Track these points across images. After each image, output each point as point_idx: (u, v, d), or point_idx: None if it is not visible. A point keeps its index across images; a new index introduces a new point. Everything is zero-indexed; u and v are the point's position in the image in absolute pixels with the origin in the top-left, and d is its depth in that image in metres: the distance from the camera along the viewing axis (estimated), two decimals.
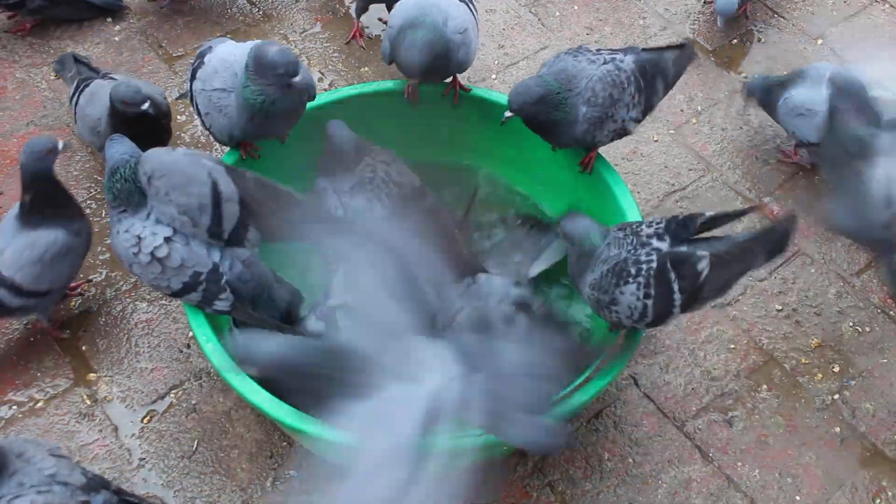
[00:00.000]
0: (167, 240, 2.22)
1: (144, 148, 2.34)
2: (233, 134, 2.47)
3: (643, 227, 2.20)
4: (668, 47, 2.65)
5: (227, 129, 2.46)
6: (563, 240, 2.25)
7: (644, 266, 2.12)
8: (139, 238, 2.22)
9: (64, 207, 2.46)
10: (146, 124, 2.62)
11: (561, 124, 2.45)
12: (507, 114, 2.45)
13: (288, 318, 2.43)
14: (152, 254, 2.20)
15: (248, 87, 2.37)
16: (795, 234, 2.20)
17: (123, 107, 2.57)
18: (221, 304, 2.25)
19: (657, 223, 2.20)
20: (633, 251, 2.14)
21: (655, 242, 2.16)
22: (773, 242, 2.21)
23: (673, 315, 2.17)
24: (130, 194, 2.24)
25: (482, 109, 2.77)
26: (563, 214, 2.25)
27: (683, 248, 2.16)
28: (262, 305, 2.36)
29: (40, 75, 3.24)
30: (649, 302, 2.13)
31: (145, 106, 2.56)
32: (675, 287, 2.13)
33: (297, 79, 2.33)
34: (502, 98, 2.74)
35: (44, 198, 2.41)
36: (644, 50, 2.59)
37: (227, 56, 2.46)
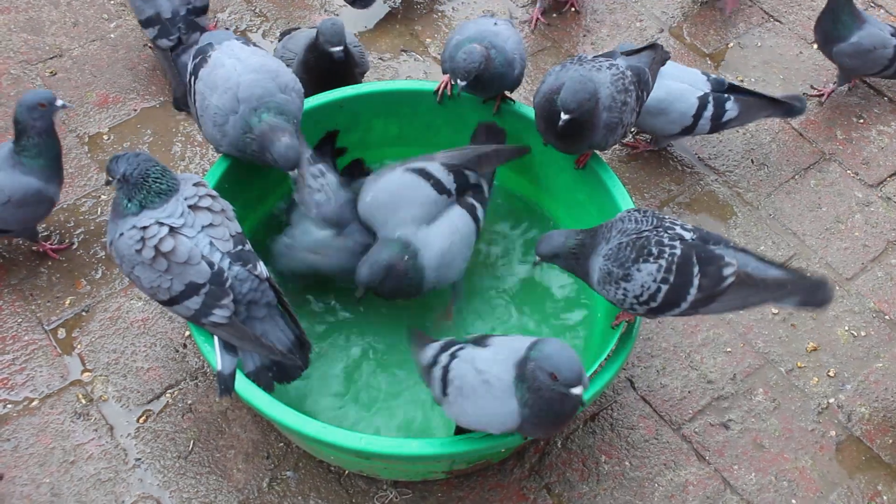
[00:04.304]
0: (172, 231, 2.13)
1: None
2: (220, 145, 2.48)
3: (666, 218, 2.17)
4: (643, 49, 2.64)
5: (219, 142, 2.46)
6: (549, 261, 2.23)
7: (667, 249, 2.08)
8: (144, 228, 2.13)
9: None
10: (336, 68, 2.70)
11: (584, 130, 2.43)
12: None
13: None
14: (156, 247, 2.11)
15: (244, 136, 2.38)
16: (831, 299, 2.16)
17: (322, 41, 2.64)
18: (221, 312, 2.14)
19: (683, 224, 2.17)
20: (654, 231, 2.11)
21: (679, 230, 2.13)
22: (810, 293, 2.14)
23: (679, 308, 2.13)
24: (165, 187, 2.19)
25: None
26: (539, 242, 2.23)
27: (714, 248, 2.12)
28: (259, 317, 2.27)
29: (35, 71, 3.22)
30: (665, 287, 2.09)
31: (338, 49, 2.62)
32: (695, 282, 2.09)
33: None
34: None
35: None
36: (623, 53, 2.59)
37: (228, 75, 2.40)
